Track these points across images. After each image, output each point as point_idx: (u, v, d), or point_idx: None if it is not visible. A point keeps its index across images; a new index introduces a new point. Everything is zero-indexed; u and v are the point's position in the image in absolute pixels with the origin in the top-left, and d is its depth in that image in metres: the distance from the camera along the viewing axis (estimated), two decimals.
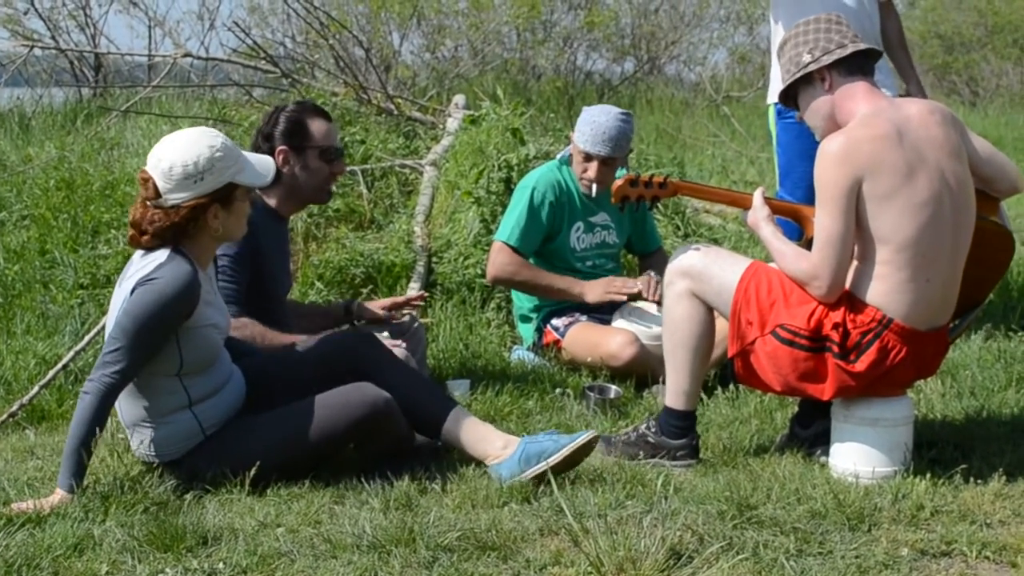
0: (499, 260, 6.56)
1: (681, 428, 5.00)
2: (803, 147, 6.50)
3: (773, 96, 6.70)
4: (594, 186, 6.43)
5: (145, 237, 4.54)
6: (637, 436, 5.08)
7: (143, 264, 4.52)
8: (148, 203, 4.53)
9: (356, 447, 4.70)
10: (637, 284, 6.41)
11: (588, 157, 6.44)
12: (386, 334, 5.66)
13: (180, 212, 4.50)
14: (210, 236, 4.61)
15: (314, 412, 4.65)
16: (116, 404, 4.54)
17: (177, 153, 4.51)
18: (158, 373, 4.54)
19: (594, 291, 6.49)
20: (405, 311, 6.02)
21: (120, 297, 4.54)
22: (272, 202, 5.49)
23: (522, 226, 6.51)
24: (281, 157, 5.42)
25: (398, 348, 5.28)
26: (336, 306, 6.07)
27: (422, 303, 6.16)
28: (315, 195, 5.63)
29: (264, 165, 4.73)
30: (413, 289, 7.07)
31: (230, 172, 4.56)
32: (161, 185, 4.50)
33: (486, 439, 4.79)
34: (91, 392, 4.41)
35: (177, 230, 4.51)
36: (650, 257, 6.99)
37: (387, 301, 6.04)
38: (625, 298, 6.42)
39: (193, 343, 4.53)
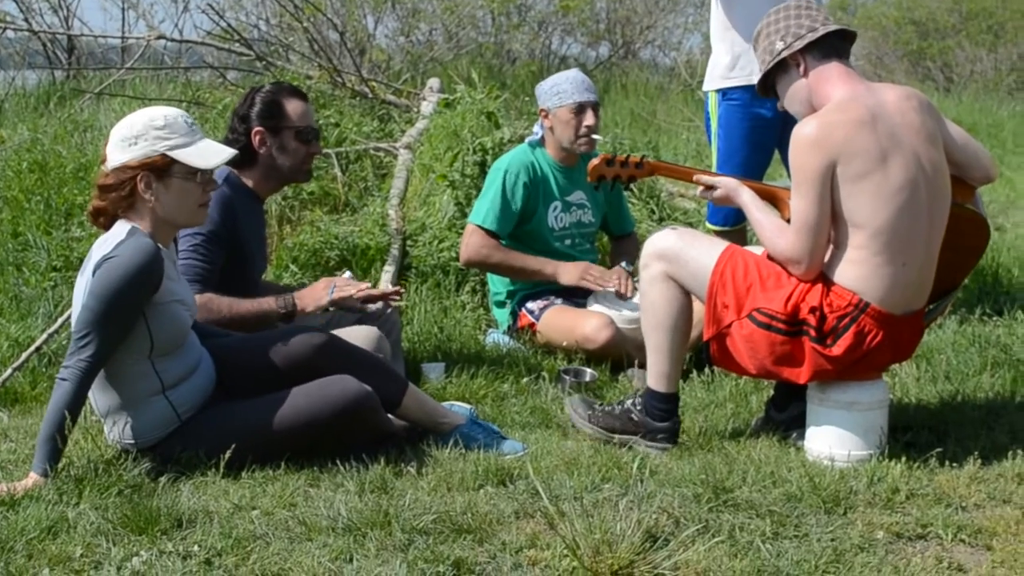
0: (472, 242, 6.55)
1: (664, 410, 5.00)
2: (745, 131, 6.53)
3: (711, 83, 6.73)
4: (596, 136, 6.50)
5: (94, 201, 4.60)
6: (622, 410, 5.07)
7: (102, 247, 4.51)
8: (101, 165, 4.60)
9: (335, 438, 4.68)
10: (613, 281, 6.40)
11: (581, 108, 6.48)
12: (348, 274, 5.66)
13: (115, 175, 4.53)
14: (152, 212, 4.57)
15: (295, 404, 4.63)
16: (89, 394, 4.53)
17: (124, 118, 4.61)
18: (130, 358, 4.52)
19: (569, 274, 6.47)
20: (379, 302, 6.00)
21: (82, 284, 4.52)
22: (250, 183, 5.49)
23: (496, 209, 6.51)
24: (258, 138, 5.43)
25: (364, 291, 5.30)
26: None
27: (397, 298, 6.15)
28: (293, 175, 5.63)
29: (214, 152, 4.66)
30: (388, 272, 7.05)
31: (166, 144, 4.53)
32: (108, 149, 4.56)
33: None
34: (68, 378, 4.39)
35: (113, 192, 4.53)
36: (624, 240, 7.00)
37: (363, 287, 5.95)
38: (599, 287, 6.41)
39: (161, 320, 4.51)
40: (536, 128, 6.74)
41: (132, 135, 4.52)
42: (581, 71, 6.60)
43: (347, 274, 5.63)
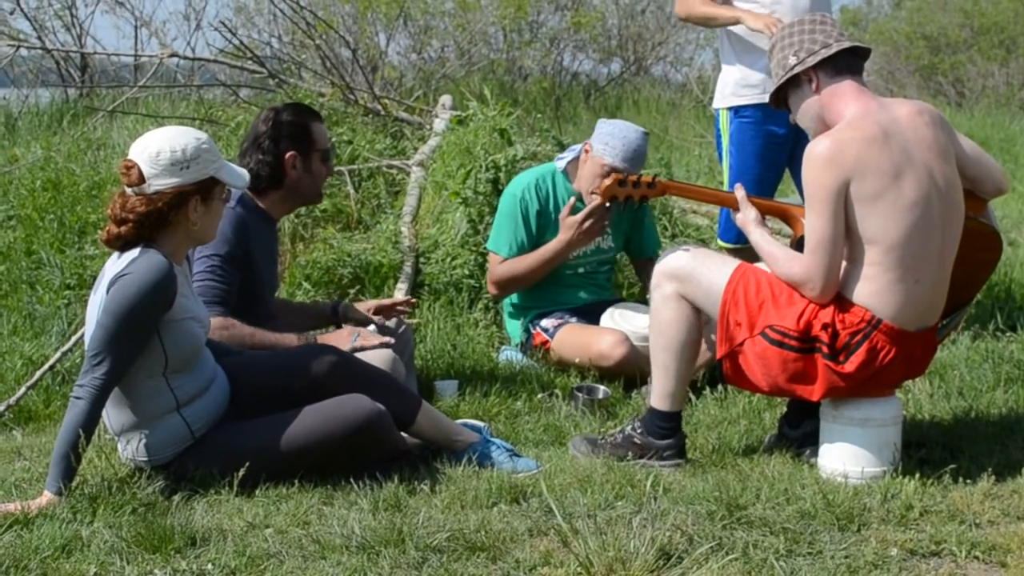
0: (498, 270, 6.63)
1: (667, 429, 4.99)
2: (758, 148, 6.52)
3: (722, 101, 6.70)
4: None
5: (124, 227, 4.51)
6: (623, 438, 5.07)
7: (116, 265, 4.52)
8: (129, 190, 4.52)
9: (348, 457, 4.69)
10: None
11: (614, 171, 6.34)
12: (373, 327, 5.66)
13: (163, 199, 4.50)
14: (185, 232, 4.60)
15: (308, 423, 4.64)
16: (103, 412, 4.53)
17: (165, 140, 4.53)
18: (143, 375, 4.53)
19: (566, 234, 6.45)
20: (392, 315, 6.01)
21: (96, 302, 4.53)
22: (265, 204, 5.49)
23: (515, 237, 6.58)
24: (291, 161, 5.44)
25: (386, 343, 5.31)
26: (323, 306, 6.06)
27: (410, 309, 6.15)
28: (313, 197, 5.70)
29: (240, 171, 4.75)
30: (400, 291, 7.07)
31: (213, 167, 4.57)
32: (146, 170, 4.50)
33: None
34: (82, 396, 4.39)
35: (158, 218, 4.51)
36: (649, 263, 6.95)
37: (373, 303, 6.03)
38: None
39: (175, 337, 4.51)
40: (567, 153, 6.70)
41: (185, 159, 4.50)
42: (644, 140, 6.44)
43: (372, 328, 5.64)
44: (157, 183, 4.50)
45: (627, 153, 6.37)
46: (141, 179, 4.51)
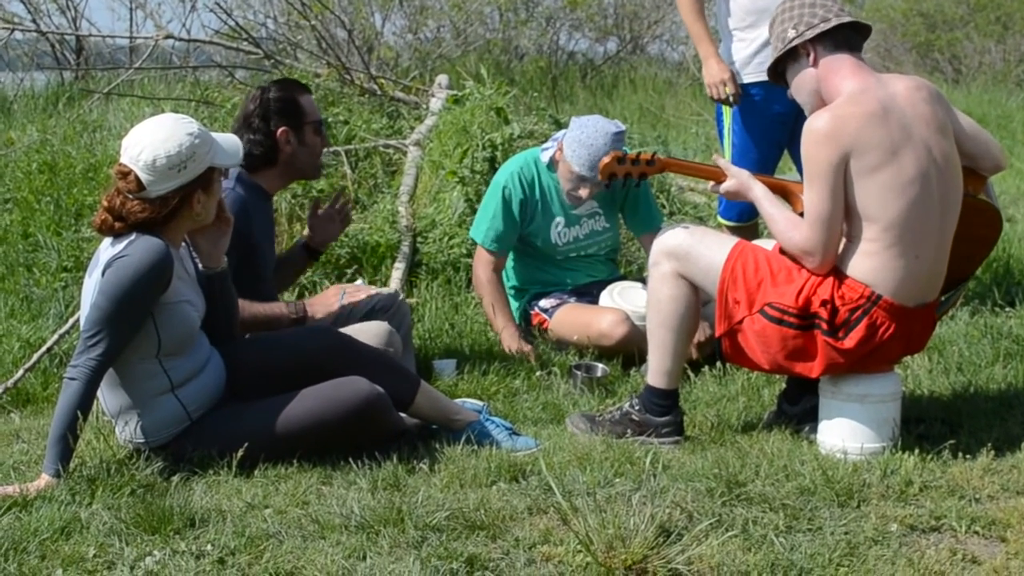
0: (477, 271, 6.59)
1: (664, 406, 5.00)
2: (760, 126, 6.51)
3: None
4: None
5: (120, 224, 4.50)
6: (622, 415, 5.07)
7: (112, 247, 4.50)
8: (129, 195, 4.50)
9: (346, 439, 4.67)
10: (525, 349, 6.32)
11: (583, 179, 6.32)
12: (360, 281, 5.65)
13: (169, 203, 4.48)
14: (189, 220, 4.60)
15: (306, 405, 4.63)
16: (99, 394, 4.53)
17: (158, 144, 4.47)
18: (137, 357, 4.52)
19: (506, 341, 6.41)
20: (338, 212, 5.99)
21: (92, 284, 4.52)
22: (261, 181, 5.47)
23: (496, 228, 6.51)
24: (284, 137, 5.41)
25: (373, 294, 5.33)
26: (294, 251, 6.07)
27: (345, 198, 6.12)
28: (311, 171, 5.67)
29: (232, 143, 4.72)
30: (398, 269, 7.06)
31: (208, 156, 4.55)
32: (144, 178, 4.46)
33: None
34: (77, 377, 4.39)
35: (162, 220, 4.50)
36: (651, 237, 6.88)
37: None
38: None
39: (169, 320, 4.51)
40: (549, 143, 6.62)
41: (181, 161, 4.47)
42: (615, 143, 6.18)
43: (359, 281, 5.63)
44: (157, 189, 4.48)
45: (593, 162, 6.17)
46: (140, 186, 4.48)
